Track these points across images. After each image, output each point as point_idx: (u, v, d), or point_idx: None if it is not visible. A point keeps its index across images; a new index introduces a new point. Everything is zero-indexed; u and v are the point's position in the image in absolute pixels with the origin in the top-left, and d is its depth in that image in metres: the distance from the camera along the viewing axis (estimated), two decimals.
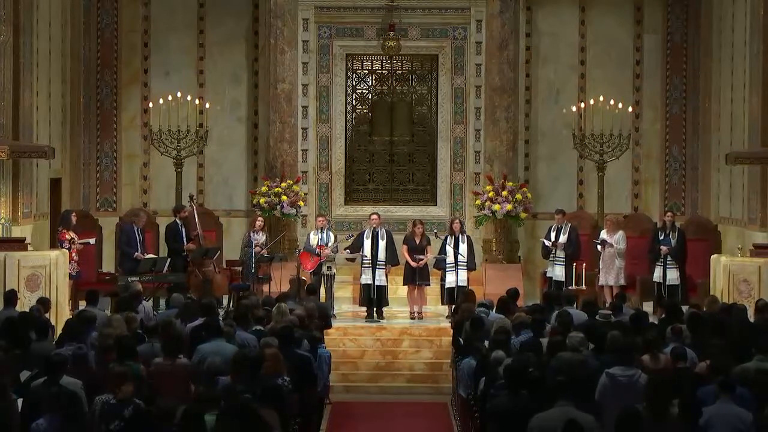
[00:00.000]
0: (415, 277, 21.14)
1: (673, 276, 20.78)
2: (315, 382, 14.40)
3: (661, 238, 21.00)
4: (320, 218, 21.89)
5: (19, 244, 19.03)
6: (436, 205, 24.68)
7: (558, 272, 21.49)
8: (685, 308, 16.20)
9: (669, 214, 21.63)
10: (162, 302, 20.15)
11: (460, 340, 16.22)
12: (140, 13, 24.87)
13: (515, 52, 24.05)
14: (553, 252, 21.63)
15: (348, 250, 21.27)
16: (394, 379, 19.82)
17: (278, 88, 24.00)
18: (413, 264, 21.08)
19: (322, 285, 20.74)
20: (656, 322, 15.56)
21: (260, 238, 21.68)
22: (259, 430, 10.39)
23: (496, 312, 16.81)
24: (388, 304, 21.37)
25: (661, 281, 20.80)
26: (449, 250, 21.07)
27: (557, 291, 19.34)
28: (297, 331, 14.30)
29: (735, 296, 18.53)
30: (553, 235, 21.70)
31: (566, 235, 21.58)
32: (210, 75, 24.88)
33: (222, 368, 12.44)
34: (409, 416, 17.77)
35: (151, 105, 23.71)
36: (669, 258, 20.74)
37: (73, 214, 21.10)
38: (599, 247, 21.41)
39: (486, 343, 14.32)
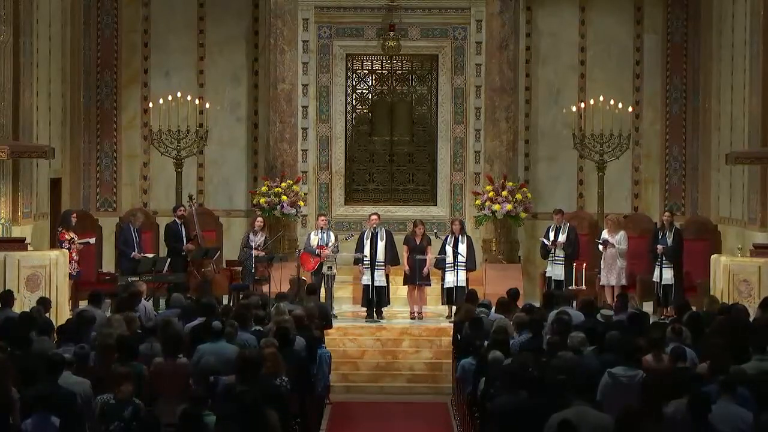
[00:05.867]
0: (416, 277, 21.14)
1: (667, 276, 20.78)
2: (311, 382, 14.39)
3: (659, 237, 21.02)
4: (322, 218, 21.90)
5: (19, 244, 19.02)
6: (436, 205, 24.68)
7: (557, 272, 21.50)
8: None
9: (667, 213, 21.63)
10: (162, 302, 20.15)
11: (458, 336, 16.26)
12: (140, 13, 24.87)
13: (515, 52, 24.05)
14: (552, 252, 21.63)
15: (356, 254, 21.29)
16: (394, 379, 19.82)
17: (278, 88, 24.00)
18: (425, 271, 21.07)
19: (322, 285, 20.74)
20: (657, 322, 15.57)
21: (259, 239, 21.66)
22: (262, 431, 10.39)
23: (496, 312, 16.81)
24: (389, 304, 21.36)
25: (658, 281, 20.83)
26: (449, 249, 21.08)
27: (557, 291, 19.34)
28: (293, 332, 14.28)
29: (735, 296, 18.52)
30: (551, 234, 21.71)
31: (565, 235, 21.58)
32: (210, 75, 24.88)
33: (217, 368, 12.46)
34: (409, 416, 17.77)
35: (151, 105, 23.70)
36: (665, 258, 20.76)
37: (73, 214, 21.10)
38: (601, 247, 21.41)
39: (485, 343, 14.33)
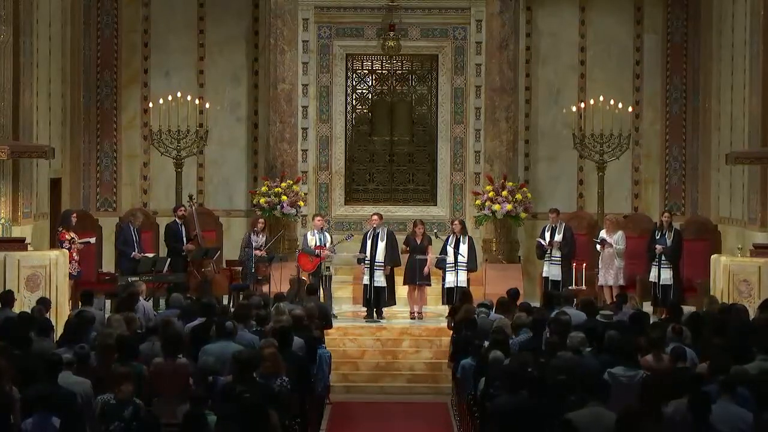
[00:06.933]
0: (416, 277, 21.13)
1: (666, 276, 20.81)
2: (310, 382, 14.38)
3: (658, 237, 21.04)
4: (318, 218, 21.88)
5: (19, 244, 19.02)
6: (436, 205, 24.68)
7: (554, 272, 21.51)
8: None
9: (666, 214, 21.66)
10: (162, 302, 20.15)
11: (455, 338, 16.27)
12: (140, 13, 24.87)
13: (515, 52, 24.05)
14: (549, 252, 21.63)
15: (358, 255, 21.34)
16: (394, 379, 19.82)
17: (278, 88, 24.00)
18: (425, 271, 21.06)
19: (321, 285, 20.72)
20: (657, 322, 15.56)
21: (260, 239, 21.68)
22: (263, 430, 10.40)
23: (496, 312, 16.81)
24: (394, 303, 21.35)
25: (656, 281, 20.85)
26: (449, 250, 21.08)
27: (557, 291, 19.34)
28: (293, 332, 14.27)
29: (735, 296, 18.52)
30: (547, 235, 21.72)
31: (561, 234, 21.61)
32: (210, 75, 24.88)
33: (216, 368, 12.45)
34: (409, 416, 17.77)
35: (151, 105, 23.71)
36: (663, 258, 20.78)
37: (74, 214, 21.10)
38: (599, 246, 21.43)
39: (485, 343, 14.32)
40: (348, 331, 20.48)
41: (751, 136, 21.13)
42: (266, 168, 24.21)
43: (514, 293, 17.49)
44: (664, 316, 19.53)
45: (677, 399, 10.73)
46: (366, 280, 21.02)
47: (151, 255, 21.22)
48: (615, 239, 21.35)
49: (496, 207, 23.17)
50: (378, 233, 21.09)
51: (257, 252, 21.39)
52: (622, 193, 24.72)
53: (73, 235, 20.46)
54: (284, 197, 23.30)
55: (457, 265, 20.96)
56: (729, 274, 18.86)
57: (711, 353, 12.58)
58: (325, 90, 24.63)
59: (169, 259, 21.06)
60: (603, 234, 21.50)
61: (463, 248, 21.03)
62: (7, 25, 19.93)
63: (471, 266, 21.15)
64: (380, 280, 21.01)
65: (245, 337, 14.09)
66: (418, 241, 21.30)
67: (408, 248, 21.31)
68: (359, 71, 24.90)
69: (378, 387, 19.59)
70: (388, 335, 20.54)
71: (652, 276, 20.94)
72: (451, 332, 17.78)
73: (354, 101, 24.91)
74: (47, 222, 22.13)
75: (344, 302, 22.61)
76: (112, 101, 24.89)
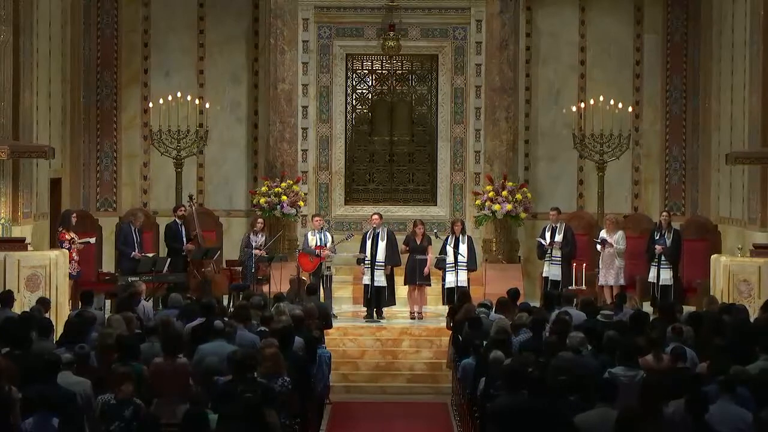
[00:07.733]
0: (416, 277, 21.13)
1: (666, 276, 20.83)
2: (310, 382, 14.38)
3: (657, 237, 21.05)
4: (316, 219, 21.89)
5: (19, 244, 19.02)
6: (436, 205, 24.69)
7: (554, 272, 21.51)
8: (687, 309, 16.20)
9: (664, 213, 21.69)
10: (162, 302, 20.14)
11: (459, 337, 16.25)
12: (140, 13, 24.88)
13: (515, 52, 24.06)
14: (549, 252, 21.63)
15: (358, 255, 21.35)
16: (394, 379, 19.82)
17: (278, 88, 24.01)
18: (426, 271, 21.05)
19: (321, 285, 20.72)
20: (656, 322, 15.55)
21: (260, 239, 21.69)
22: (263, 430, 10.39)
23: (495, 312, 16.81)
24: (394, 304, 21.36)
25: (655, 281, 20.85)
26: (449, 250, 21.09)
27: (556, 291, 19.33)
28: (293, 332, 14.26)
29: (735, 296, 18.52)
30: (548, 235, 21.71)
31: (562, 234, 21.60)
32: (210, 75, 24.89)
33: (219, 368, 12.45)
34: (409, 416, 17.77)
35: (151, 105, 23.72)
36: (663, 258, 20.79)
37: (74, 214, 21.10)
38: (599, 246, 21.44)
39: (485, 343, 14.32)
40: (348, 331, 20.48)
41: (751, 136, 21.14)
42: (266, 168, 24.22)
43: (514, 293, 17.49)
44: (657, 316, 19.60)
45: (677, 399, 10.73)
46: (366, 280, 21.03)
47: (151, 255, 21.24)
48: (615, 239, 21.36)
49: (496, 207, 23.18)
50: (378, 233, 21.10)
51: (257, 252, 21.40)
52: (622, 193, 24.73)
53: (73, 235, 20.46)
54: (284, 197, 23.31)
55: (457, 265, 20.98)
56: (729, 274, 18.86)
57: (711, 353, 12.58)
58: (325, 90, 24.64)
59: (169, 259, 21.06)
60: (603, 234, 21.50)
61: (463, 248, 21.04)
62: (7, 25, 19.93)
63: (471, 266, 21.16)
64: (380, 280, 21.02)
65: (246, 336, 14.08)
66: (418, 241, 21.31)
67: (408, 248, 21.33)
68: (359, 71, 24.91)
69: (378, 387, 19.59)
70: (388, 335, 20.55)
71: (652, 276, 20.95)
72: (450, 333, 17.79)
73: (354, 101, 24.92)
74: (47, 222, 22.13)
75: (344, 302, 22.62)
76: (112, 101, 24.90)
